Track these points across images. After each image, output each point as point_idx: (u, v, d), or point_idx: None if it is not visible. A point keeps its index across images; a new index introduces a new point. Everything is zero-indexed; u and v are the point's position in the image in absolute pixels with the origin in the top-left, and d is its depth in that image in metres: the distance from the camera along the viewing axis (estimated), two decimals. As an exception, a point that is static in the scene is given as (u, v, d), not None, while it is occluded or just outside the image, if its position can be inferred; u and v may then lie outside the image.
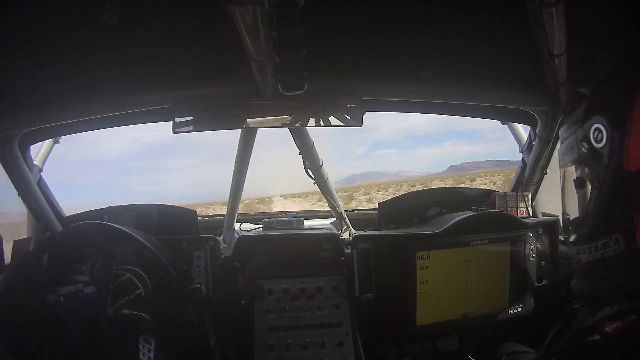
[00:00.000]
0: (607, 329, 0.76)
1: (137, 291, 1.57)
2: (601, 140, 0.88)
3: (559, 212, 2.24)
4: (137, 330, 1.48)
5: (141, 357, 1.41)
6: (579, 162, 0.96)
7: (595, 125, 0.89)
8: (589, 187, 0.93)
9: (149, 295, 1.63)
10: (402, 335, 2.08)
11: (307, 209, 3.04)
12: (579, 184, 0.96)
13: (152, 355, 1.45)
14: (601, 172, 0.88)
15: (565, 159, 1.00)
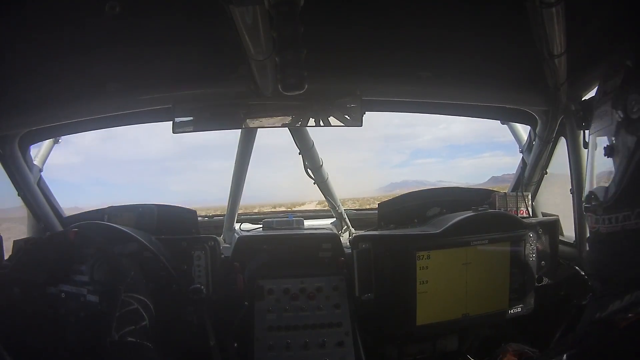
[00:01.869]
0: (618, 321, 0.75)
1: (143, 323, 1.57)
2: (638, 110, 0.86)
3: (559, 212, 2.25)
4: (140, 358, 1.48)
5: None
6: (610, 130, 0.94)
7: (634, 95, 0.87)
8: (617, 157, 0.91)
9: (154, 326, 1.63)
10: (402, 335, 2.08)
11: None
12: (608, 151, 0.93)
13: None
14: (632, 143, 0.86)
15: (596, 125, 0.98)
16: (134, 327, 1.53)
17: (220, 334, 1.86)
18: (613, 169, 0.92)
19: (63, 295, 1.59)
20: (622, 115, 0.89)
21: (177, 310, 1.86)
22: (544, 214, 2.36)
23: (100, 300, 1.60)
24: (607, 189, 0.92)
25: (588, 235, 1.01)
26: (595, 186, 0.99)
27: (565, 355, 0.81)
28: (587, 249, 1.02)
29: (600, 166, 0.97)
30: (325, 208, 2.83)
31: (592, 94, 1.77)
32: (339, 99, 1.97)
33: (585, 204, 1.00)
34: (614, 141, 0.92)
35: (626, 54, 0.95)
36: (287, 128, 2.18)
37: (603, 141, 0.95)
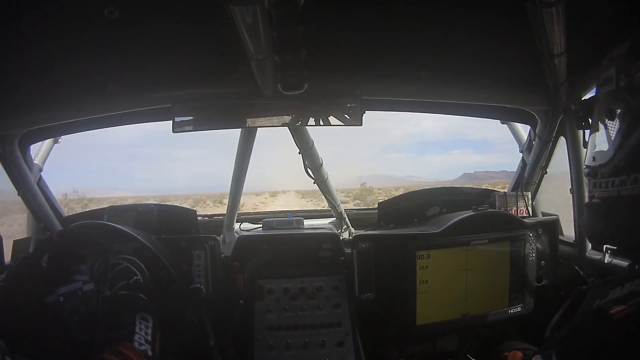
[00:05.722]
0: (613, 312, 0.74)
1: (135, 277, 1.57)
2: None
3: (558, 212, 2.25)
4: (133, 309, 1.46)
5: (137, 331, 1.38)
6: (614, 94, 0.93)
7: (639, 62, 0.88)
8: (619, 120, 0.91)
9: (147, 282, 1.63)
10: (402, 335, 2.08)
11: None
12: (610, 114, 0.93)
13: (149, 332, 1.41)
14: (634, 107, 0.86)
15: (602, 90, 0.97)
16: (126, 282, 1.53)
17: (220, 334, 1.86)
18: (613, 134, 0.92)
19: (61, 299, 1.59)
20: (625, 80, 0.89)
21: (177, 310, 1.86)
22: (544, 214, 2.36)
23: (96, 284, 1.60)
24: (606, 153, 0.93)
25: (586, 200, 1.01)
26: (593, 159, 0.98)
27: (558, 347, 0.80)
28: (584, 214, 1.02)
29: (599, 146, 0.97)
30: (320, 207, 2.83)
31: (592, 93, 1.78)
32: (338, 99, 1.97)
33: (586, 168, 1.01)
34: (616, 105, 0.91)
35: (635, 21, 0.95)
36: (287, 128, 2.18)
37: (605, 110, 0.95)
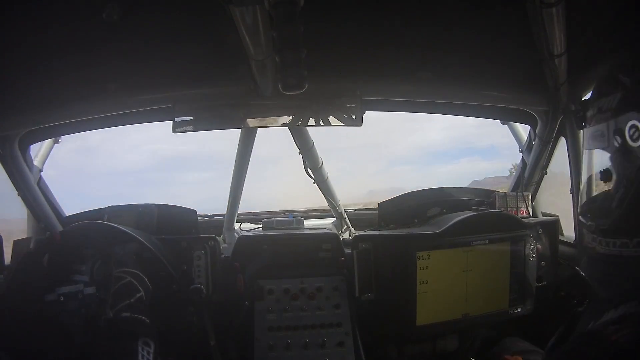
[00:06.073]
0: (610, 333, 0.73)
1: (138, 295, 1.55)
2: (638, 139, 0.81)
3: (559, 212, 2.25)
4: (136, 333, 1.46)
5: (140, 359, 1.39)
6: (607, 154, 0.89)
7: (632, 122, 0.82)
8: (615, 182, 0.86)
9: (150, 298, 1.62)
10: (402, 335, 2.08)
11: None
12: (605, 176, 0.88)
13: (151, 358, 1.42)
14: (632, 172, 0.82)
15: (593, 145, 0.93)
16: (129, 300, 1.52)
17: (220, 334, 1.86)
18: (610, 195, 0.87)
19: (62, 298, 1.59)
20: (620, 141, 0.84)
21: (177, 310, 1.86)
22: (544, 214, 2.36)
23: (97, 289, 1.60)
24: (604, 212, 0.89)
25: (585, 243, 0.96)
26: (590, 193, 0.95)
27: None
28: (585, 261, 0.99)
29: (596, 172, 0.92)
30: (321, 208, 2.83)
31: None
32: (339, 99, 1.97)
33: (581, 216, 0.97)
34: (610, 166, 0.87)
35: (623, 67, 0.88)
36: (287, 128, 2.18)
37: (598, 162, 0.92)
